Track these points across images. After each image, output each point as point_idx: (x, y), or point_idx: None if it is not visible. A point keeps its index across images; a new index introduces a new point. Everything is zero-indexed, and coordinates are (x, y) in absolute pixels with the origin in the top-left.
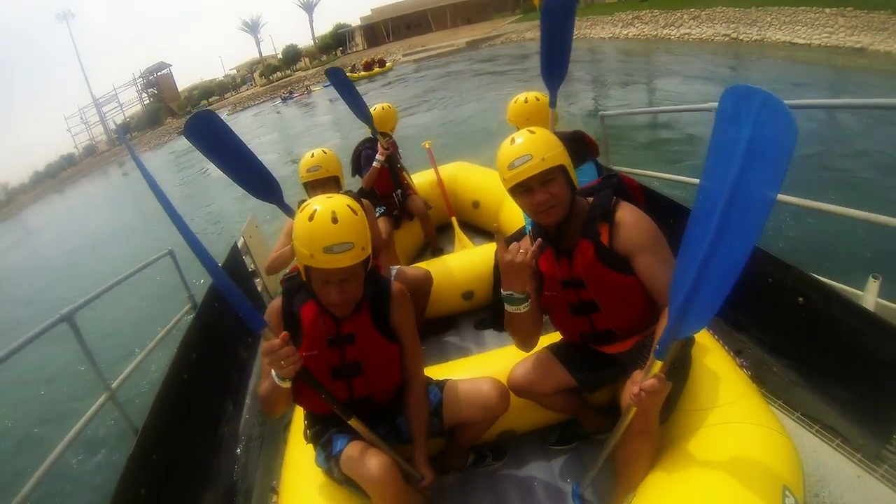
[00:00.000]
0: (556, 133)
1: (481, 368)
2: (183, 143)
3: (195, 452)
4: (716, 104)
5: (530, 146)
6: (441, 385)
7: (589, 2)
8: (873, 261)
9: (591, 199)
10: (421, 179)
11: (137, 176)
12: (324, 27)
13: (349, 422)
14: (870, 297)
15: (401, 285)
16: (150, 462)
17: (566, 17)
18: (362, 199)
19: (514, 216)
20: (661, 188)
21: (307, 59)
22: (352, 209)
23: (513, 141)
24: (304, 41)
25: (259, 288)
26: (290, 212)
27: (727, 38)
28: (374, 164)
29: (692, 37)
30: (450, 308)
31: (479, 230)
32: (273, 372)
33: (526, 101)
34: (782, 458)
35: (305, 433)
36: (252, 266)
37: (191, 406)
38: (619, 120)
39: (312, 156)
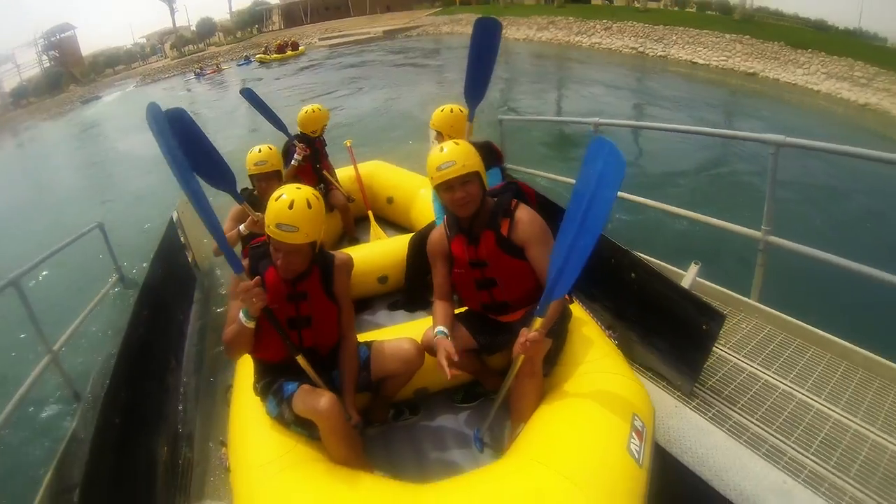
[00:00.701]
0: (470, 142)
1: (400, 334)
2: (89, 114)
3: (144, 401)
4: (597, 119)
5: (455, 154)
6: (369, 344)
7: (508, 2)
8: (701, 250)
9: (495, 199)
10: (342, 175)
11: (33, 148)
12: (242, 2)
13: (297, 358)
14: (690, 276)
15: (341, 257)
16: (104, 408)
17: (492, 43)
18: None
19: (423, 212)
20: (546, 185)
21: (222, 35)
22: (308, 202)
23: (442, 149)
24: (221, 15)
25: (189, 259)
26: (240, 200)
27: (634, 51)
28: (293, 162)
29: (602, 46)
30: (366, 291)
31: (393, 224)
32: (241, 314)
33: (451, 112)
34: (633, 395)
35: (255, 387)
36: (183, 239)
37: (140, 359)
38: (515, 123)
39: (259, 151)
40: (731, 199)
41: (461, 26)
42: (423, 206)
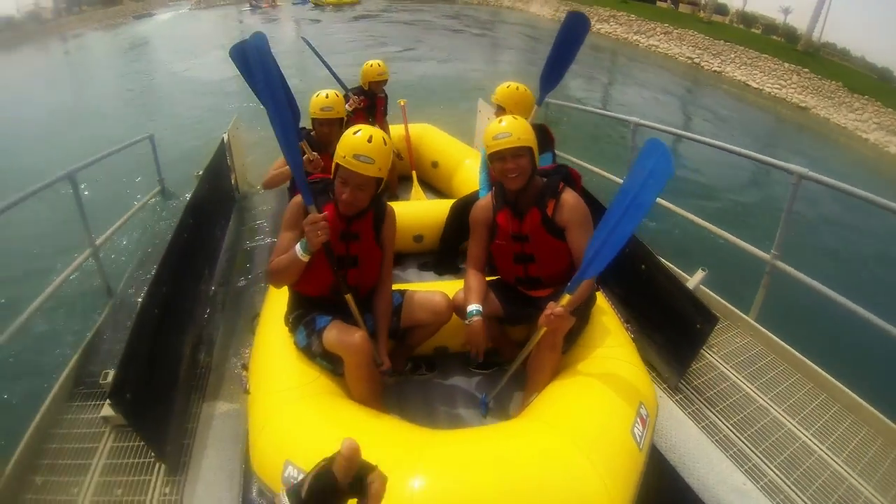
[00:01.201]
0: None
1: (432, 289)
2: (141, 30)
3: (178, 300)
4: (636, 119)
5: (512, 127)
6: (402, 292)
7: None
8: (711, 262)
9: (544, 180)
10: (394, 132)
11: (79, 56)
12: None
13: (346, 297)
14: (695, 280)
15: (392, 208)
16: (147, 297)
17: (578, 37)
18: None
19: (466, 180)
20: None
21: None
22: (384, 140)
23: (501, 121)
24: None
25: (232, 181)
26: (301, 137)
27: (689, 62)
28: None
29: (658, 50)
30: (401, 246)
31: (434, 188)
32: (298, 245)
33: (517, 89)
34: (642, 385)
35: (286, 318)
36: (229, 162)
37: (181, 262)
38: (561, 110)
39: (326, 96)
40: (748, 219)
41: (522, 3)
42: (466, 175)
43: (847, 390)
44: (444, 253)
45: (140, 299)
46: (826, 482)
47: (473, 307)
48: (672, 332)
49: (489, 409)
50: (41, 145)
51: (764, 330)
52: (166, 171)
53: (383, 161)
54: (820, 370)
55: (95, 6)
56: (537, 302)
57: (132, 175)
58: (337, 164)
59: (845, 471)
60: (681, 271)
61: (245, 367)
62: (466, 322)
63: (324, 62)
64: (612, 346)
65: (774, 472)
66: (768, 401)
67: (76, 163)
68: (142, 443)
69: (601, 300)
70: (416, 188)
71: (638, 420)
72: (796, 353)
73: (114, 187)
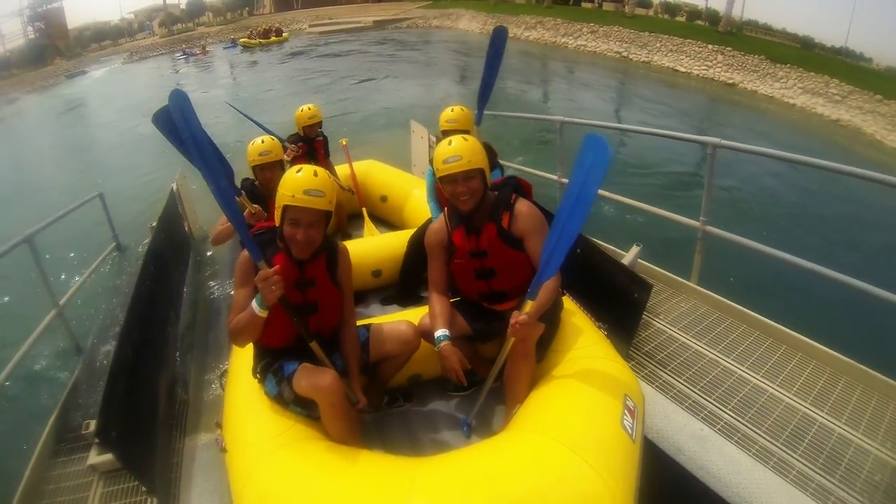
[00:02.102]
0: None
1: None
2: (75, 89)
3: (150, 343)
4: (562, 118)
5: (462, 149)
6: (367, 327)
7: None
8: (650, 237)
9: (496, 193)
10: (340, 172)
11: (17, 122)
12: None
13: (311, 344)
14: (630, 255)
15: (344, 245)
16: (120, 342)
17: (501, 51)
18: None
19: (416, 210)
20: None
21: (211, 15)
22: (327, 174)
23: (450, 142)
24: None
25: (186, 229)
26: (238, 191)
27: (618, 56)
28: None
29: (587, 48)
30: (360, 284)
31: (386, 222)
32: (254, 302)
33: (462, 111)
34: (624, 378)
35: (254, 370)
36: (181, 210)
37: (148, 307)
38: (496, 119)
39: (262, 142)
40: (678, 193)
41: (451, 21)
42: (416, 206)
43: (789, 330)
44: (405, 284)
45: (112, 348)
46: (780, 416)
47: (440, 332)
48: (615, 306)
49: (472, 429)
50: None
51: (705, 291)
52: (119, 226)
53: (332, 194)
54: (762, 317)
55: (26, 68)
56: (505, 316)
57: (87, 234)
58: (284, 207)
59: (798, 403)
60: (619, 250)
61: (219, 425)
62: (437, 348)
63: (253, 121)
64: (585, 345)
65: (730, 415)
66: (717, 353)
67: (30, 227)
68: (130, 485)
69: (568, 303)
70: (368, 224)
71: (626, 412)
72: (738, 306)
73: (70, 248)
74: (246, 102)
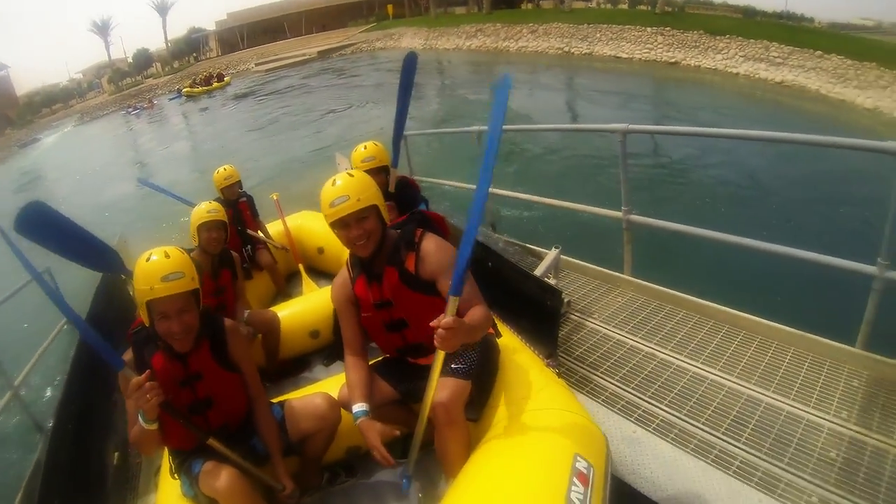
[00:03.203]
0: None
1: (320, 390)
2: (29, 161)
3: (94, 413)
4: (478, 127)
5: (348, 188)
6: (281, 404)
7: (440, 12)
8: (577, 235)
9: (398, 231)
10: (273, 229)
11: None
12: (178, 31)
13: (208, 442)
14: (549, 259)
15: (231, 320)
16: (58, 414)
17: (411, 78)
18: (231, 251)
19: None
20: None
21: (159, 65)
22: (179, 251)
23: (334, 183)
24: (157, 44)
25: (131, 292)
26: (130, 274)
27: (560, 51)
28: None
29: (529, 49)
30: (300, 347)
31: (325, 274)
32: (140, 416)
33: (375, 146)
34: (575, 431)
35: (170, 469)
36: (124, 275)
37: (89, 378)
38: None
39: (209, 203)
40: (603, 185)
41: (394, 41)
42: None
43: (729, 309)
44: (340, 343)
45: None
46: (721, 403)
47: (357, 408)
48: (532, 316)
49: (417, 488)
50: None
51: (640, 281)
52: (68, 296)
53: (191, 269)
54: (700, 300)
55: None
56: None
57: (37, 310)
58: (148, 304)
59: (741, 385)
60: (536, 247)
61: None
62: (356, 423)
63: (170, 195)
64: (531, 393)
65: (666, 411)
66: (654, 346)
67: None
68: None
69: (510, 340)
70: (306, 280)
71: (575, 480)
72: (675, 292)
73: (21, 327)
74: (206, 153)
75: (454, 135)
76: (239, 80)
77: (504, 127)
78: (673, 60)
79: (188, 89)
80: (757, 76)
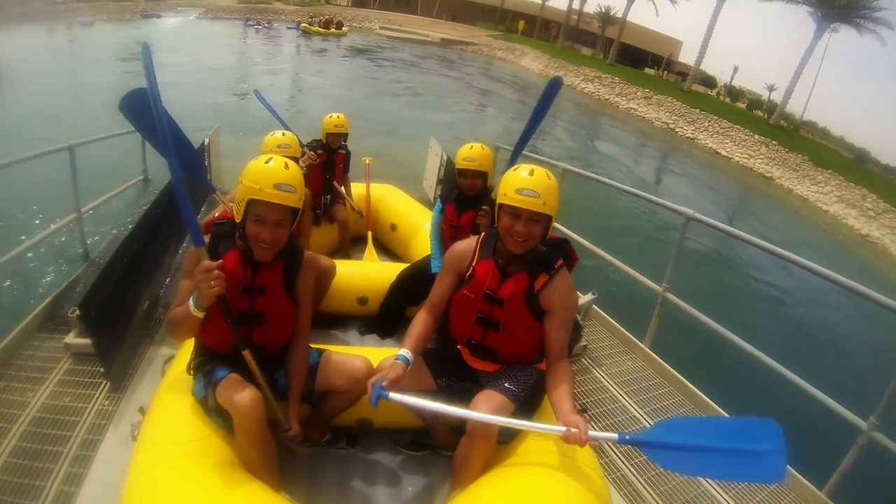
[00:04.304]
0: (489, 188)
1: (353, 354)
2: (148, 30)
3: (145, 259)
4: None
5: (542, 186)
6: (320, 351)
7: (566, 46)
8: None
9: (544, 249)
10: (356, 191)
11: (84, 49)
12: None
13: (243, 353)
14: (584, 300)
15: (312, 254)
16: (120, 248)
17: (550, 102)
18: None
19: (423, 245)
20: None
21: None
22: (297, 167)
23: (531, 172)
24: None
25: (208, 178)
26: (213, 188)
27: (665, 126)
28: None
29: (637, 113)
30: (344, 308)
31: (391, 251)
32: (191, 301)
33: (483, 150)
34: (589, 488)
35: (189, 364)
36: (207, 162)
37: (152, 230)
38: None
39: (283, 135)
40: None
41: (514, 56)
42: (425, 240)
43: (722, 411)
44: (383, 319)
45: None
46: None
47: (405, 352)
48: None
49: (421, 489)
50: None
51: (654, 355)
52: (151, 164)
53: (302, 190)
54: (698, 392)
55: None
56: (478, 376)
57: (122, 163)
58: (249, 202)
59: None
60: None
61: (142, 411)
62: (393, 360)
63: (278, 118)
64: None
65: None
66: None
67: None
68: (93, 368)
69: None
70: (370, 249)
71: None
72: (680, 376)
73: (104, 171)
74: (312, 92)
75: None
76: (357, 35)
77: (572, 168)
78: (769, 175)
79: (306, 25)
80: (844, 221)
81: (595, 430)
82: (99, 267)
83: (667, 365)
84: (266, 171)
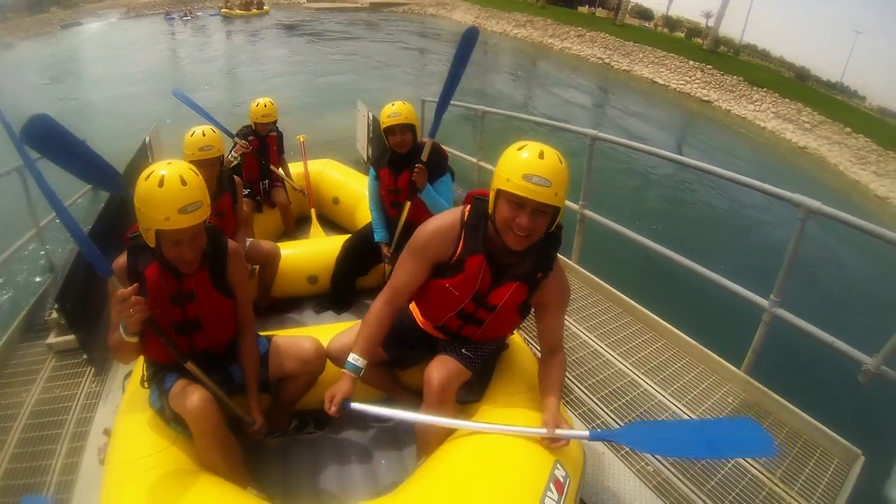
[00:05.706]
0: (419, 145)
1: (322, 335)
2: (69, 44)
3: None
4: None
5: (554, 175)
6: (268, 339)
7: None
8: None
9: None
10: (294, 170)
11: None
12: None
13: (185, 365)
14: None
15: (236, 243)
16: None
17: (468, 53)
18: (234, 176)
19: (366, 214)
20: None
21: None
22: (193, 171)
23: (541, 155)
24: None
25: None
26: (131, 197)
27: (601, 62)
28: (229, 157)
29: (571, 51)
30: (295, 290)
31: (336, 225)
32: (121, 327)
33: (404, 105)
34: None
35: (142, 377)
36: (150, 160)
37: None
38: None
39: (203, 134)
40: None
41: (446, 11)
42: (367, 209)
43: (652, 315)
44: (335, 294)
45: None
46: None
47: (355, 360)
48: None
49: (390, 462)
50: None
51: (586, 272)
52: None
53: (206, 195)
54: (622, 295)
55: (21, 13)
56: (430, 343)
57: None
58: (158, 231)
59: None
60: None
61: (107, 432)
62: (342, 371)
63: (202, 112)
64: (524, 391)
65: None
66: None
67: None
68: (77, 360)
69: (517, 338)
70: (315, 226)
71: (552, 486)
72: (612, 288)
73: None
74: (239, 75)
75: (458, 109)
76: (282, 12)
77: (481, 107)
78: (706, 99)
79: (226, 10)
80: (782, 135)
81: (569, 426)
82: (67, 268)
83: (597, 279)
84: (164, 197)
